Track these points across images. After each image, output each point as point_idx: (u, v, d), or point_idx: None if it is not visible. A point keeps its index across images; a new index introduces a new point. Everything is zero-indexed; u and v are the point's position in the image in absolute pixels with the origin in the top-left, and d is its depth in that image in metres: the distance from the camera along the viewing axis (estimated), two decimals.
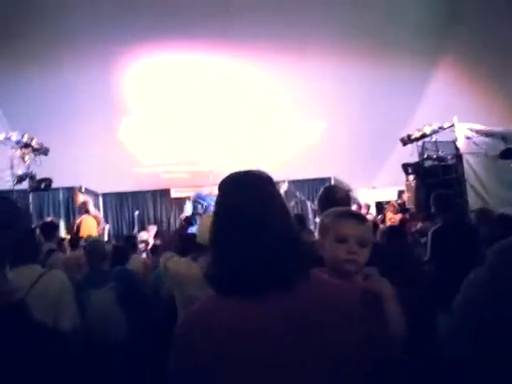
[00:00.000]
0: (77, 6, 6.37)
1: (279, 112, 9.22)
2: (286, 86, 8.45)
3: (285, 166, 10.28)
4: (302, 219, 4.76)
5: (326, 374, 0.90)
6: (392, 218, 6.06)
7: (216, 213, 1.04)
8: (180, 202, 11.74)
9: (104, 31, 6.76)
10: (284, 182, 10.59)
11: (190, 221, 6.43)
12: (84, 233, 6.51)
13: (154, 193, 11.77)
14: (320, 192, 2.38)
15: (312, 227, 7.07)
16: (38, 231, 2.81)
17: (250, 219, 0.97)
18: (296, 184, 11.37)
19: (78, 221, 6.93)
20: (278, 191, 1.08)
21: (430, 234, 3.60)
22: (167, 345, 0.99)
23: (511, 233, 1.93)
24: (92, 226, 6.77)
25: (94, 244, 3.12)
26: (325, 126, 9.64)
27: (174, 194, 11.78)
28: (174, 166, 10.79)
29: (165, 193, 11.70)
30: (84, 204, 7.07)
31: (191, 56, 7.87)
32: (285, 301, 0.93)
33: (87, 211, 6.83)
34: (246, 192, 1.00)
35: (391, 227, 3.87)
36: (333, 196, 2.31)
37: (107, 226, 10.00)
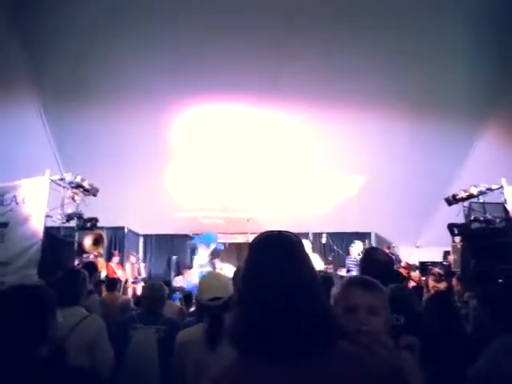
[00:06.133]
0: (131, 61, 6.89)
1: (319, 164, 9.27)
2: (327, 140, 8.54)
3: (324, 218, 10.19)
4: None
5: None
6: (435, 286, 5.75)
7: (245, 272, 1.05)
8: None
9: (155, 84, 7.21)
10: (322, 234, 10.47)
11: None
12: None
13: (192, 236, 11.95)
14: (361, 255, 2.36)
15: None
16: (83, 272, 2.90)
17: (278, 282, 0.97)
18: (334, 237, 11.19)
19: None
20: (307, 254, 1.09)
21: (471, 306, 3.37)
22: None
23: None
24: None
25: (153, 287, 3.18)
26: (363, 180, 9.56)
27: None
28: (212, 212, 10.97)
29: None
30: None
31: (234, 106, 8.19)
32: (307, 368, 0.91)
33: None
34: (276, 254, 1.02)
35: (433, 295, 3.67)
36: (373, 259, 2.26)
37: (143, 266, 10.18)
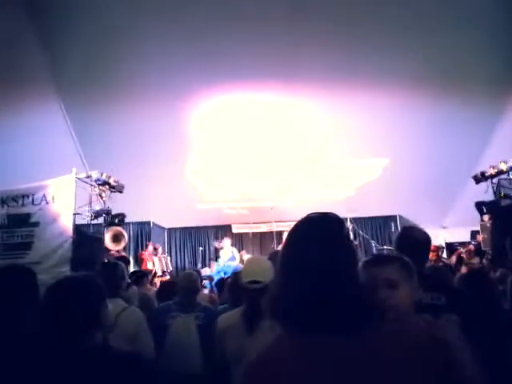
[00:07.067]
0: (148, 58, 6.92)
1: (341, 149, 9.15)
2: (347, 124, 8.41)
3: (348, 203, 10.08)
4: None
5: None
6: (469, 263, 5.65)
7: (286, 251, 1.07)
8: (241, 237, 11.89)
9: (172, 79, 7.23)
10: (346, 219, 10.36)
11: None
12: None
13: (216, 228, 12.05)
14: (397, 234, 2.30)
15: None
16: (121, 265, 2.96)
17: (319, 260, 0.98)
18: (360, 222, 11.08)
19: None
20: (349, 236, 1.12)
21: (509, 281, 3.29)
22: None
23: None
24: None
25: (189, 276, 3.24)
26: (387, 162, 9.39)
27: (235, 230, 11.95)
28: (235, 203, 11.01)
29: (226, 228, 11.91)
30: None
31: (254, 96, 8.12)
32: (349, 344, 0.92)
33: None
34: (320, 235, 1.03)
35: (472, 272, 3.60)
36: (412, 238, 2.21)
37: (168, 259, 10.33)
